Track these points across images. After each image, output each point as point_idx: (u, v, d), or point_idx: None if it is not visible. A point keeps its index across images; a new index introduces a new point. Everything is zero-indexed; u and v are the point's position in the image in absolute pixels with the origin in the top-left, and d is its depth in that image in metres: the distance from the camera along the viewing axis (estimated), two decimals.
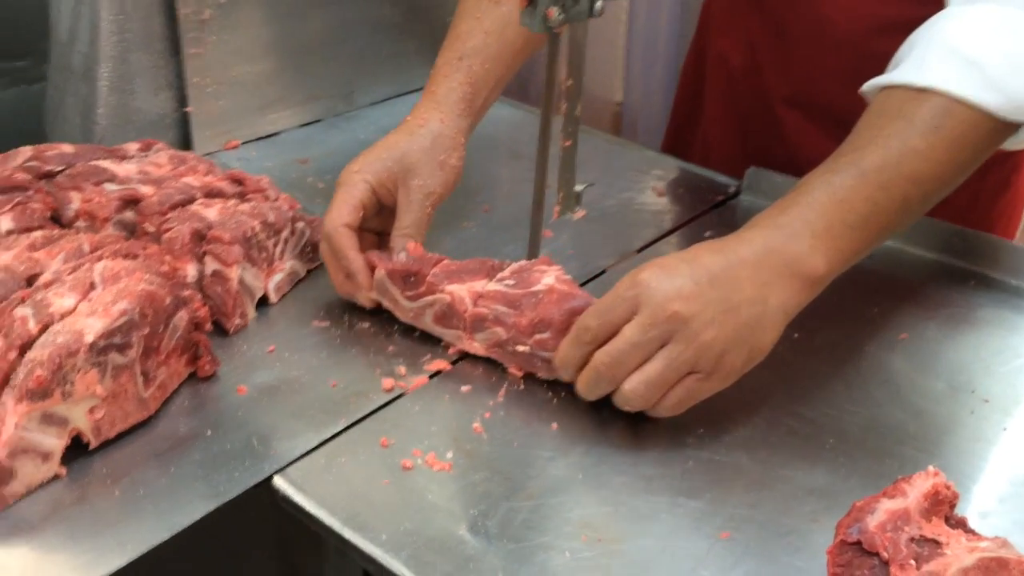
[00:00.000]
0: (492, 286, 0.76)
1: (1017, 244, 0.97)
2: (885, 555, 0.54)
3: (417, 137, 0.85)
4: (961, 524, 0.58)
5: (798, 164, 1.12)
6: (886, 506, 0.57)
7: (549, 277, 0.76)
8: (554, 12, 0.69)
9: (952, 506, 0.59)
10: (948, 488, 0.58)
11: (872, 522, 0.56)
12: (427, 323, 0.79)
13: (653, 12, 1.93)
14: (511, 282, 0.76)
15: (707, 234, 1.00)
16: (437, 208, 0.87)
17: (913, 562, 0.54)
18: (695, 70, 1.27)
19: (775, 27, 1.09)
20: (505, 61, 0.91)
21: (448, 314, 0.77)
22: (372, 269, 0.80)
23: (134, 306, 0.65)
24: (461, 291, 0.77)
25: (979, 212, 1.14)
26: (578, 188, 0.81)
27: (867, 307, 0.88)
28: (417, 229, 0.83)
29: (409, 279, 0.78)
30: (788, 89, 1.11)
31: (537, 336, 0.73)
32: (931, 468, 0.59)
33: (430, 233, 0.96)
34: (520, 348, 0.74)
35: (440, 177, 0.85)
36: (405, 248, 0.81)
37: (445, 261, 0.80)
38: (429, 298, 0.78)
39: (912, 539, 0.54)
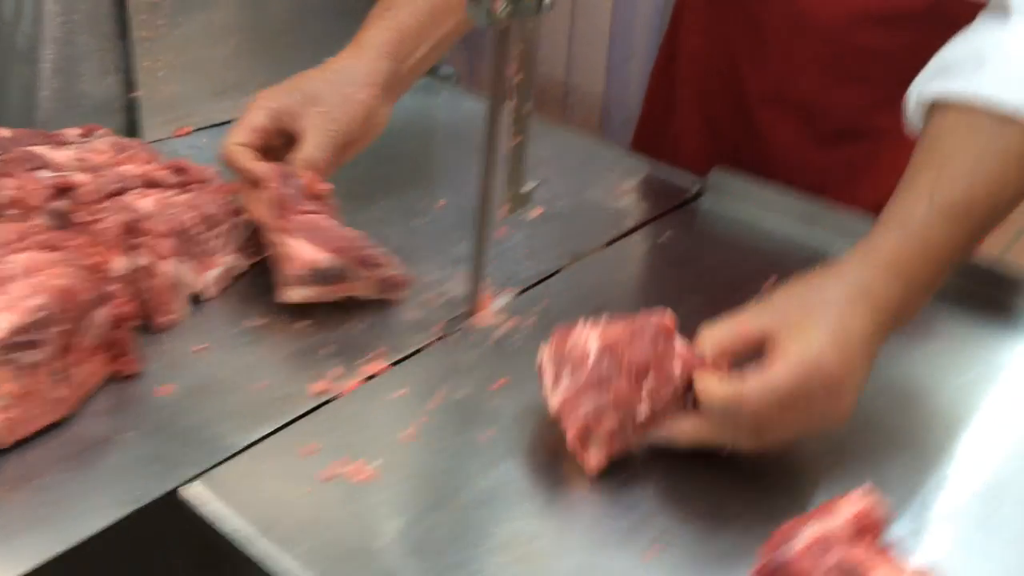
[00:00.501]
0: (562, 391, 0.65)
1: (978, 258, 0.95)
2: None
3: (326, 72, 0.85)
4: (889, 549, 0.56)
5: (771, 163, 1.10)
6: (811, 531, 0.55)
7: (592, 339, 0.66)
8: (500, 5, 0.66)
9: (881, 529, 0.57)
10: (877, 511, 0.56)
11: (795, 547, 0.54)
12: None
13: (631, 3, 1.91)
14: (568, 370, 0.66)
15: (667, 233, 0.98)
16: (353, 155, 0.87)
17: None
18: (667, 67, 1.25)
19: (751, 21, 1.07)
20: (436, 16, 0.89)
21: (281, 260, 0.76)
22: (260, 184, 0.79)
23: (49, 301, 0.62)
24: (302, 250, 0.75)
25: None
26: (527, 187, 0.79)
27: None
28: (316, 158, 0.81)
29: (281, 208, 0.77)
30: (764, 85, 1.09)
31: (647, 387, 0.64)
32: (864, 488, 0.57)
33: (378, 226, 0.94)
34: (642, 410, 0.64)
35: (345, 109, 0.83)
36: (299, 176, 0.79)
37: (327, 218, 0.79)
38: (276, 236, 0.77)
39: (834, 567, 0.52)
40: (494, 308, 0.83)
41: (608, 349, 0.65)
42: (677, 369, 0.64)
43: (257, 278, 0.84)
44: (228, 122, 1.09)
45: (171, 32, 1.00)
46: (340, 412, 0.70)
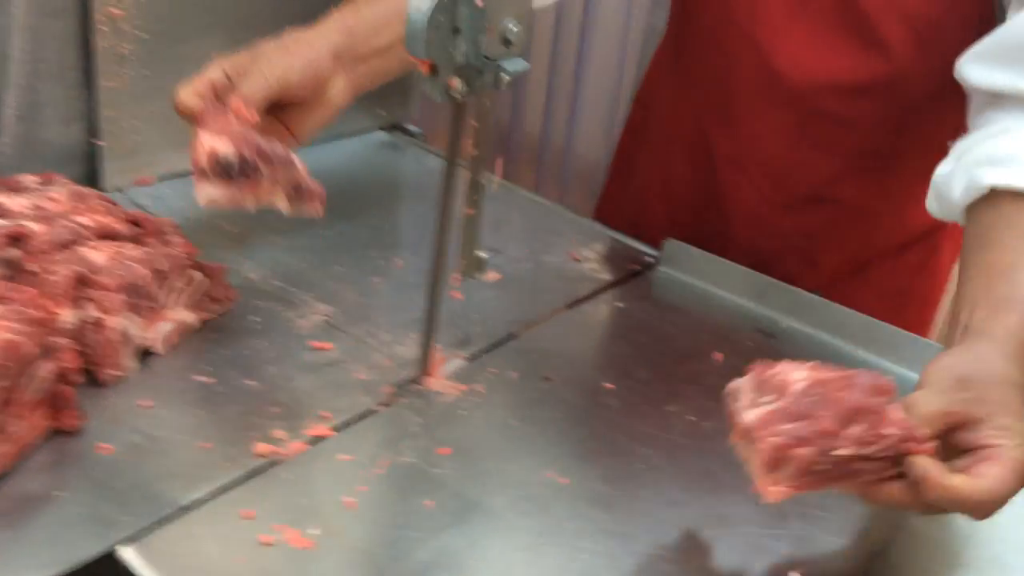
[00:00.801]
0: (756, 413, 0.62)
1: (928, 341, 0.98)
2: None
3: (279, 38, 0.89)
4: None
5: (733, 226, 1.13)
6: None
7: (799, 373, 0.63)
8: (456, 83, 0.68)
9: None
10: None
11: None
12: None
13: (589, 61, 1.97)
14: (769, 397, 0.63)
15: (621, 302, 0.99)
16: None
17: None
18: (636, 128, 1.27)
19: (721, 84, 1.09)
20: (394, 4, 0.91)
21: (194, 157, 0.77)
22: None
23: None
24: (207, 141, 0.78)
25: (899, 291, 1.15)
26: (482, 255, 0.80)
27: None
28: (248, 93, 0.84)
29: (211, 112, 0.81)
30: (730, 148, 1.11)
31: (853, 433, 0.60)
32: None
33: (335, 283, 0.94)
34: (841, 452, 0.60)
35: (285, 59, 0.87)
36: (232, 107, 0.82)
37: (276, 144, 0.81)
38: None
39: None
40: (444, 373, 0.83)
41: (819, 384, 0.62)
42: (889, 430, 0.60)
43: (208, 335, 0.84)
44: (191, 173, 1.10)
45: (137, 83, 1.00)
46: (281, 477, 0.70)
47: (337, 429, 0.75)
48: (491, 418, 0.79)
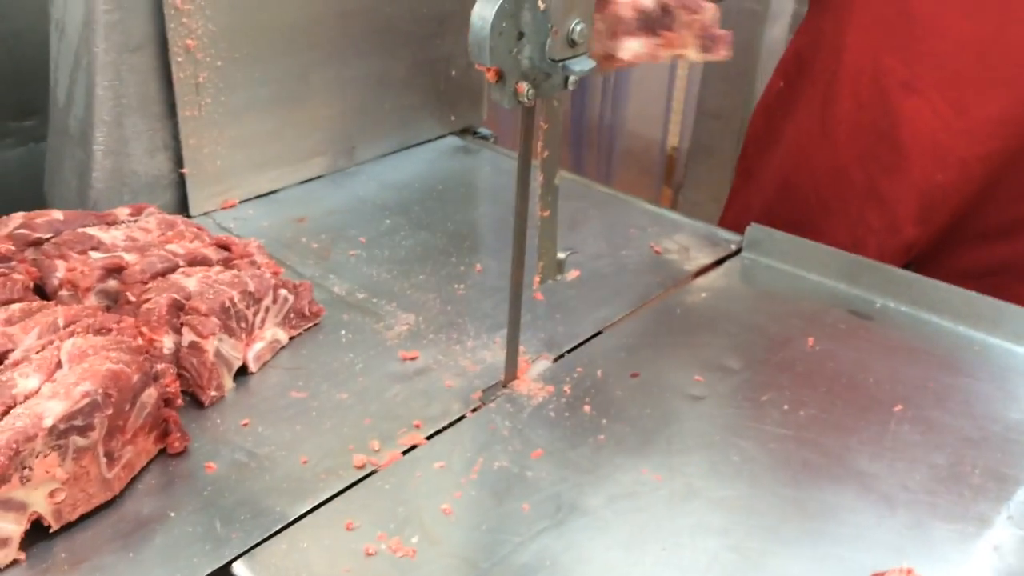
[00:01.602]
0: None
1: None
2: None
3: None
4: None
5: (905, 164, 1.06)
6: None
7: None
8: (524, 88, 0.68)
9: None
10: None
11: None
12: (605, 44, 0.75)
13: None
14: None
15: (705, 295, 0.98)
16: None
17: None
18: (772, 108, 1.22)
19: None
20: None
21: (616, 26, 0.74)
22: None
23: (97, 387, 0.65)
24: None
25: None
26: (561, 255, 0.80)
27: (862, 374, 0.85)
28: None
29: None
30: (907, 72, 1.04)
31: None
32: (904, 566, 0.56)
33: (417, 293, 0.95)
34: None
35: None
36: None
37: None
38: (605, 11, 0.74)
39: None
40: (531, 376, 0.83)
41: None
42: None
43: (299, 351, 0.86)
44: (273, 192, 1.14)
45: (215, 109, 1.03)
46: (379, 487, 0.71)
47: (430, 437, 0.76)
48: (581, 418, 0.79)
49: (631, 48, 0.75)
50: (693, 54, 0.79)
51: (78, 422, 0.63)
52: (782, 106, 1.20)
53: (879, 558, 0.65)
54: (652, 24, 0.76)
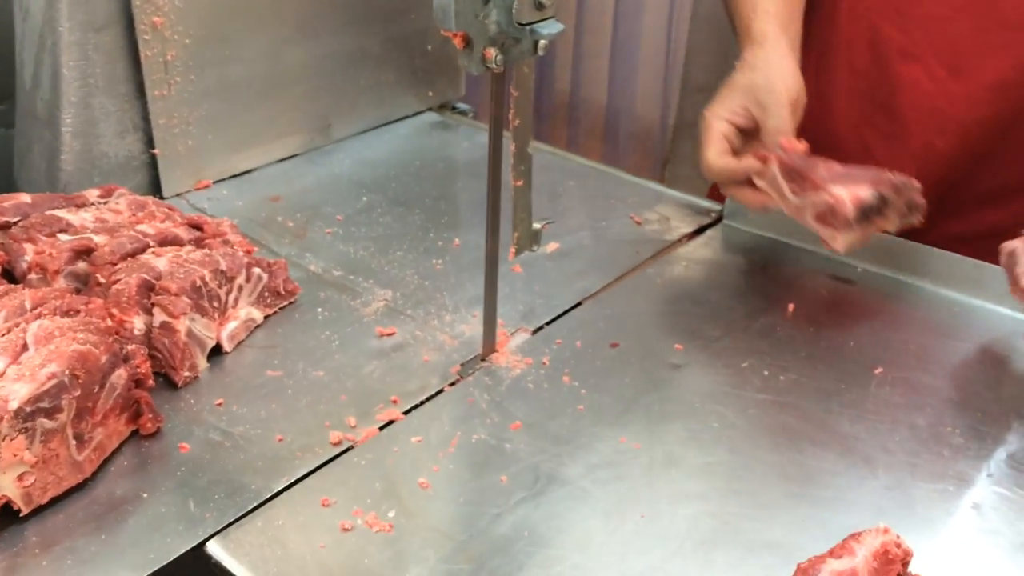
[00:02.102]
0: None
1: None
2: None
3: (750, 70, 0.91)
4: None
5: (904, 134, 1.04)
6: (832, 567, 0.53)
7: None
8: (492, 53, 0.66)
9: (905, 564, 0.55)
10: (898, 546, 0.55)
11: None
12: (807, 219, 0.82)
13: (634, 19, 1.94)
14: None
15: (685, 264, 0.97)
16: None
17: None
18: None
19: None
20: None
21: (828, 214, 0.80)
22: (763, 162, 0.86)
23: (64, 368, 0.63)
24: (845, 195, 0.79)
25: None
26: (536, 226, 0.79)
27: (843, 338, 0.84)
28: (782, 128, 0.87)
29: (795, 175, 0.83)
30: (905, 39, 1.04)
31: None
32: (880, 525, 0.56)
33: (396, 269, 0.94)
34: None
35: (777, 82, 0.89)
36: (779, 145, 0.86)
37: (834, 163, 0.83)
38: (813, 196, 0.81)
39: None
40: (509, 348, 0.83)
41: None
42: None
43: (274, 329, 0.85)
44: (248, 172, 1.12)
45: (185, 88, 1.02)
46: (356, 463, 0.70)
47: (407, 412, 0.75)
48: (559, 389, 0.78)
49: (847, 241, 0.81)
50: (892, 224, 0.83)
51: (45, 404, 0.62)
52: None
53: (860, 519, 0.64)
54: (869, 215, 0.80)
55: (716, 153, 0.88)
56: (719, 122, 0.89)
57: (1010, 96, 0.99)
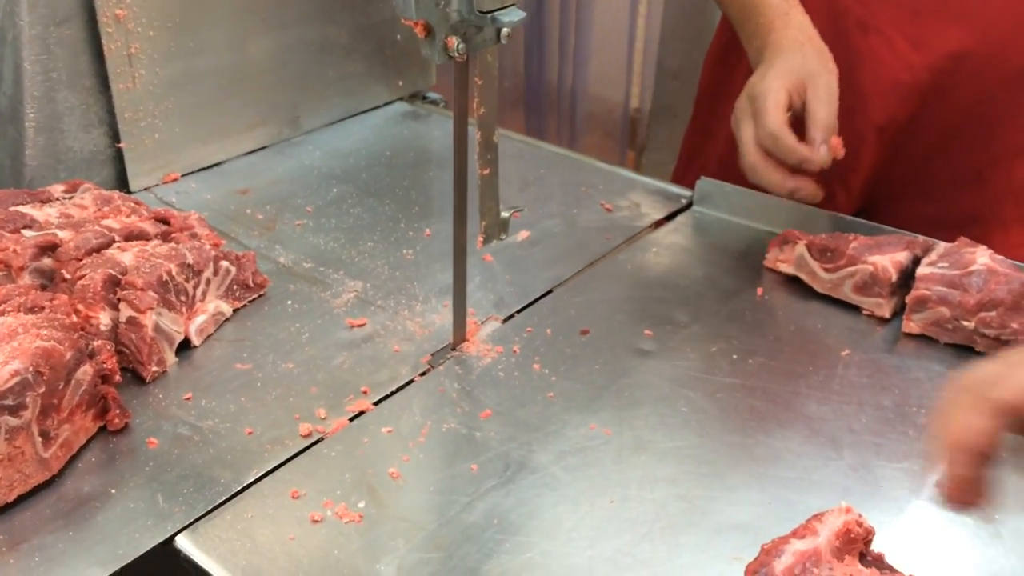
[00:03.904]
0: (927, 270, 0.82)
1: None
2: None
3: (800, 52, 0.92)
4: (877, 561, 0.55)
5: (865, 108, 1.04)
6: (795, 547, 0.54)
7: (983, 257, 0.81)
8: (454, 42, 0.66)
9: (867, 543, 0.56)
10: (860, 525, 0.55)
11: (780, 566, 0.53)
12: (846, 293, 0.86)
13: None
14: (945, 264, 0.82)
15: (655, 251, 0.97)
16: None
17: None
18: (724, 58, 1.20)
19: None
20: None
21: (870, 283, 0.84)
22: (790, 243, 0.90)
23: (27, 365, 0.63)
24: (884, 261, 0.83)
25: None
26: (504, 214, 0.79)
27: (811, 321, 0.85)
28: (832, 123, 0.89)
29: (826, 253, 0.86)
30: (863, 10, 1.04)
31: (982, 315, 0.78)
32: (843, 504, 0.56)
33: (367, 259, 0.94)
34: (964, 324, 0.79)
35: (834, 73, 0.92)
36: (826, 142, 0.88)
37: (859, 236, 0.88)
38: (850, 269, 0.85)
39: None
40: (480, 337, 0.83)
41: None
42: None
43: (244, 323, 0.85)
44: (216, 165, 1.11)
45: (150, 81, 1.01)
46: (326, 454, 0.70)
47: (378, 403, 0.75)
48: (530, 377, 0.78)
49: (892, 306, 0.85)
50: None
51: (8, 401, 0.62)
52: (732, 56, 1.19)
53: (825, 500, 0.65)
54: (907, 278, 0.85)
55: (782, 122, 0.88)
56: (785, 93, 0.89)
57: (973, 65, 0.99)
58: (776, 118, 0.88)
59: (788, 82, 0.90)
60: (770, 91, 0.90)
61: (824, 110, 0.90)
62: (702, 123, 1.26)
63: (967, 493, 0.49)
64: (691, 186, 1.06)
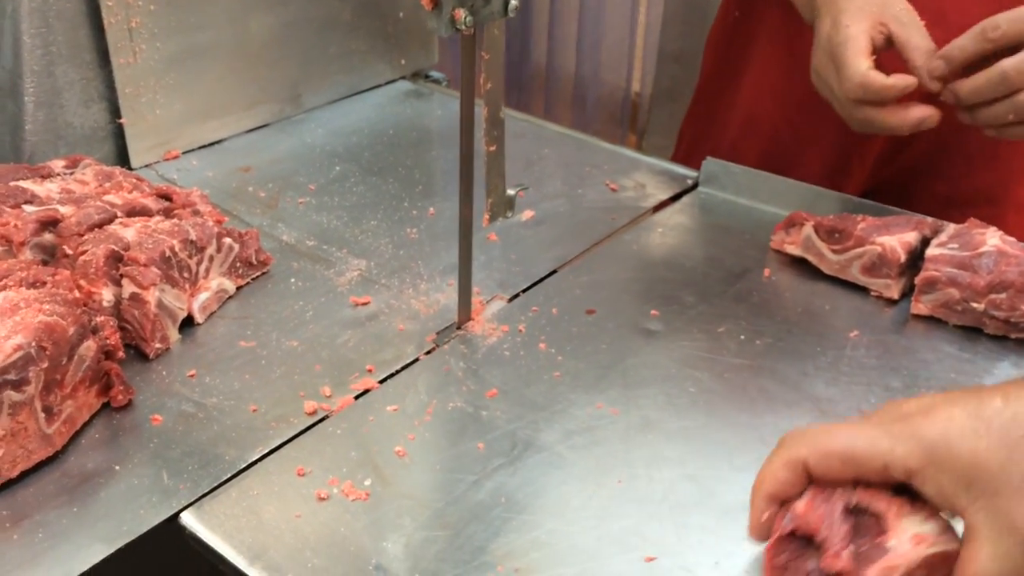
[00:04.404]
0: (936, 251, 0.81)
1: None
2: (822, 535, 0.51)
3: None
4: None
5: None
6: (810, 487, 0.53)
7: (994, 238, 0.80)
8: (461, 14, 0.65)
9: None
10: None
11: (802, 503, 0.52)
12: (854, 274, 0.85)
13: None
14: (954, 246, 0.81)
15: (661, 231, 0.97)
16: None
17: (851, 546, 0.50)
18: (729, 40, 1.18)
19: None
20: None
21: (878, 264, 0.83)
22: (797, 225, 0.89)
23: (30, 340, 0.62)
24: (892, 242, 0.82)
25: None
26: (511, 192, 0.78)
27: (818, 302, 0.84)
28: (928, 46, 0.85)
29: (834, 234, 0.85)
30: None
31: (992, 296, 0.77)
32: None
33: (371, 238, 0.93)
34: (974, 306, 0.78)
35: (906, 2, 0.88)
36: (934, 69, 0.83)
37: (866, 217, 0.86)
38: (858, 250, 0.84)
39: (848, 509, 0.51)
40: (485, 316, 0.82)
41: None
42: None
43: (247, 300, 0.84)
44: (217, 142, 1.10)
45: (151, 56, 0.99)
46: (331, 432, 0.70)
47: (382, 381, 0.75)
48: (535, 356, 0.78)
49: (900, 287, 0.84)
50: None
51: (11, 376, 0.61)
52: (740, 37, 1.17)
53: None
54: (915, 260, 0.84)
55: (866, 68, 0.83)
56: (865, 36, 0.84)
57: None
58: (858, 67, 0.84)
59: (866, 23, 0.86)
60: (849, 39, 0.85)
61: (917, 35, 0.86)
62: (706, 108, 1.25)
63: (760, 532, 0.55)
64: (695, 167, 1.05)
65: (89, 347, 0.68)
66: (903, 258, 0.82)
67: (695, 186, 1.04)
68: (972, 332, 0.80)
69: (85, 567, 0.58)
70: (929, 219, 0.87)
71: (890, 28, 0.86)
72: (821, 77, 0.90)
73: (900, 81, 0.83)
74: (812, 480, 0.53)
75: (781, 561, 0.53)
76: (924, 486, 0.50)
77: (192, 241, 0.79)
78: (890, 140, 1.06)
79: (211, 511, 0.63)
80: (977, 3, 0.96)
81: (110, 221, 0.79)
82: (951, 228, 0.84)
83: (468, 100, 0.71)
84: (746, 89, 1.15)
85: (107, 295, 0.74)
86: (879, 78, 0.83)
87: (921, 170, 1.07)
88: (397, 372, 0.76)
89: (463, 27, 0.65)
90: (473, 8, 0.65)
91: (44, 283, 0.70)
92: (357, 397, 0.73)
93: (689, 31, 2.22)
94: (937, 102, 0.86)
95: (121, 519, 0.61)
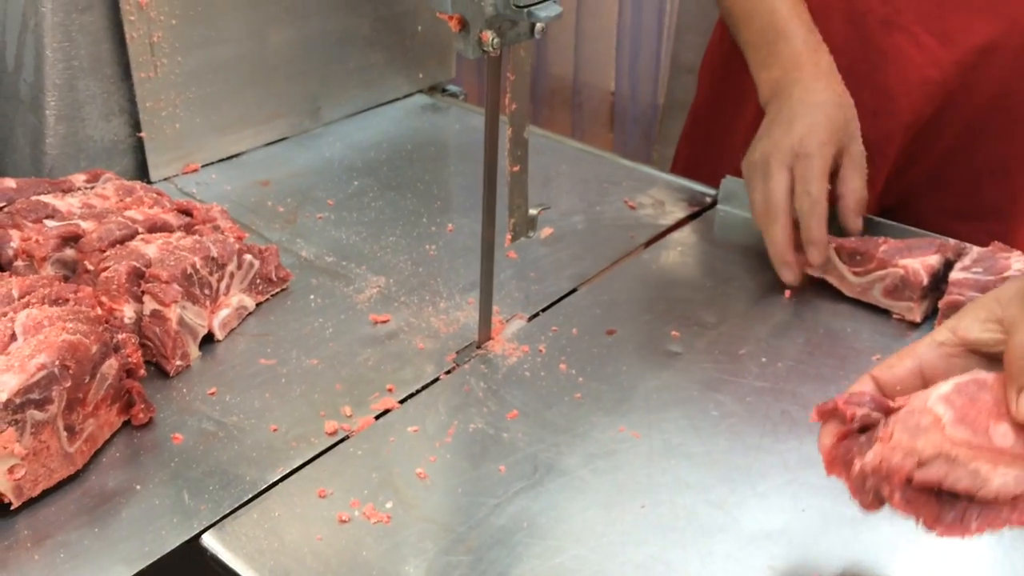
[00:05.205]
0: (960, 275, 0.81)
1: None
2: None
3: (840, 108, 0.90)
4: None
5: (892, 107, 1.03)
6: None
7: (1018, 263, 0.80)
8: (488, 36, 0.65)
9: None
10: None
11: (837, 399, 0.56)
12: (875, 296, 0.85)
13: (637, 3, 1.92)
14: (979, 270, 0.81)
15: (680, 249, 0.96)
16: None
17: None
18: (729, 55, 1.19)
19: None
20: None
21: (900, 287, 0.83)
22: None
23: (54, 359, 0.62)
24: (915, 264, 0.82)
25: None
26: (533, 212, 0.78)
27: (840, 324, 0.84)
28: (865, 194, 0.89)
29: (856, 257, 0.85)
30: (886, 8, 1.02)
31: None
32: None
33: (390, 255, 0.93)
34: None
35: (860, 143, 0.90)
36: (860, 215, 0.88)
37: (888, 239, 0.87)
38: (880, 272, 0.84)
39: (868, 399, 0.55)
40: (505, 336, 0.82)
41: None
42: None
43: (267, 317, 0.84)
44: (236, 155, 1.10)
45: (172, 70, 1.00)
46: (352, 453, 0.69)
47: (403, 401, 0.74)
48: (556, 377, 0.77)
49: (923, 310, 0.84)
50: None
51: (35, 395, 0.61)
52: (735, 63, 1.17)
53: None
54: (938, 282, 0.84)
55: (826, 192, 0.86)
56: (832, 160, 0.87)
57: (999, 58, 0.97)
58: (824, 187, 0.86)
59: (835, 148, 0.88)
60: (821, 156, 0.86)
61: (860, 180, 0.88)
62: (704, 132, 1.24)
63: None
64: (715, 184, 1.05)
65: (111, 365, 0.68)
66: (926, 281, 0.82)
67: (713, 203, 1.04)
68: (995, 357, 0.80)
69: None
70: (952, 241, 0.86)
71: (842, 160, 0.89)
72: (769, 162, 0.88)
73: (824, 235, 0.85)
74: None
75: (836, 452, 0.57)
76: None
77: (213, 258, 0.79)
78: (898, 160, 1.06)
79: (233, 533, 0.62)
80: (981, 22, 0.96)
81: (131, 237, 0.79)
82: (975, 251, 0.84)
83: (493, 121, 0.71)
84: (750, 115, 1.15)
85: (128, 312, 0.74)
86: (826, 214, 0.86)
87: (931, 186, 1.07)
88: (417, 392, 0.75)
89: (490, 49, 0.65)
90: (500, 30, 0.65)
91: (67, 300, 0.70)
92: (377, 417, 0.73)
93: (703, 42, 2.22)
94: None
95: (142, 540, 0.61)
